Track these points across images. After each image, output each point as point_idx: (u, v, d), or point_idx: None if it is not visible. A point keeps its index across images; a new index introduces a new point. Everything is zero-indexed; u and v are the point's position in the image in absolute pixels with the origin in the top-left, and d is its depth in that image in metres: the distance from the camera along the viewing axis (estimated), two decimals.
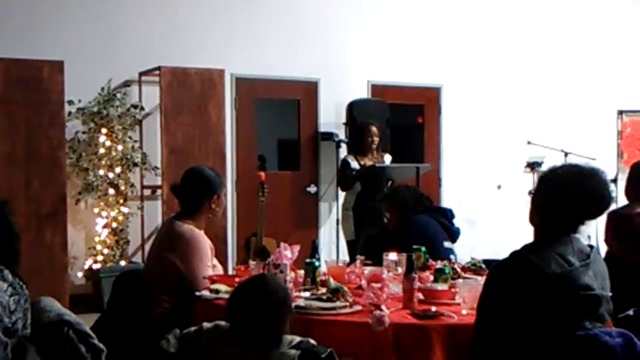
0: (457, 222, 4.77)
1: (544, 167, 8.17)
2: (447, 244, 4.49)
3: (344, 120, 8.13)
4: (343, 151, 7.64)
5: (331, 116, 8.24)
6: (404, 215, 4.58)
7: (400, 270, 3.60)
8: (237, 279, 3.54)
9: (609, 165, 8.57)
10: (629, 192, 4.80)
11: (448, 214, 4.71)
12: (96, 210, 7.05)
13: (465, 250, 5.03)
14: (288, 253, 3.52)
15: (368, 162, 7.14)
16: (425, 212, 4.62)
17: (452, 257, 4.34)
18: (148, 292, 3.77)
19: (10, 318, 2.58)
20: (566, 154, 8.32)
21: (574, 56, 9.49)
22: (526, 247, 2.61)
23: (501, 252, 2.99)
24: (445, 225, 4.60)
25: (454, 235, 4.63)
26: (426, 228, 4.47)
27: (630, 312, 3.62)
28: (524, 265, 2.52)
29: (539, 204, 2.67)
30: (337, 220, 7.47)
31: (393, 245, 3.96)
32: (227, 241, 7.42)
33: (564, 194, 2.59)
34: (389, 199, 4.79)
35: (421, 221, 4.51)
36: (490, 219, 8.92)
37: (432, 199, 5.13)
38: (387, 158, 7.34)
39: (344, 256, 6.89)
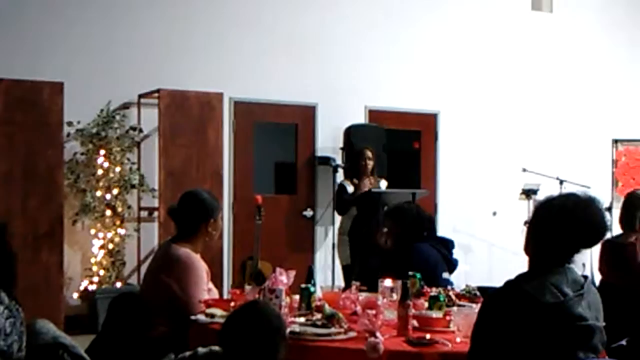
0: (454, 251, 4.77)
1: (539, 195, 8.23)
2: (445, 275, 4.48)
3: (341, 145, 8.16)
4: (340, 176, 7.68)
5: (328, 141, 8.28)
6: (401, 239, 4.57)
7: (395, 297, 3.61)
8: (232, 303, 3.55)
9: (604, 193, 8.61)
10: (623, 221, 4.84)
11: (449, 245, 4.70)
12: (93, 231, 7.05)
13: (460, 276, 5.03)
14: (284, 278, 3.52)
15: (365, 187, 7.16)
16: (428, 241, 4.61)
17: (449, 287, 4.34)
18: (144, 314, 3.78)
19: (6, 341, 2.58)
20: (561, 182, 8.35)
21: (569, 85, 9.56)
22: (520, 277, 2.63)
23: (496, 279, 3.01)
24: (445, 256, 4.60)
25: (452, 266, 4.63)
26: (428, 258, 4.46)
27: (624, 342, 3.64)
28: (518, 294, 2.53)
29: (535, 232, 2.69)
30: (333, 244, 7.48)
31: (391, 271, 3.97)
32: (223, 264, 7.42)
33: (561, 222, 2.60)
34: (396, 218, 4.74)
35: (424, 250, 4.50)
36: (485, 246, 8.93)
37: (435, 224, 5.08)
38: (383, 184, 7.37)
39: (340, 281, 6.89)
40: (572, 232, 2.60)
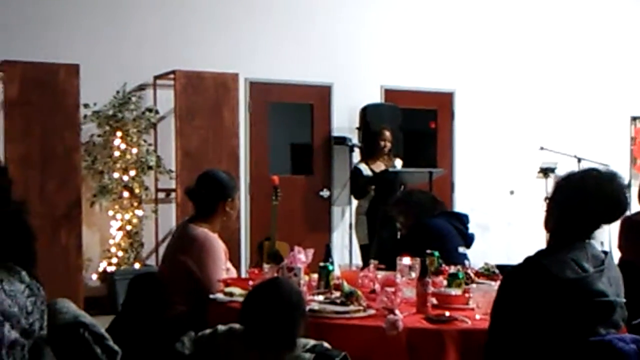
0: (470, 227, 4.76)
1: (557, 173, 8.17)
2: (461, 249, 4.48)
3: (357, 124, 8.14)
4: (356, 155, 7.66)
5: (344, 121, 8.26)
6: (419, 218, 4.58)
7: (413, 274, 3.60)
8: (250, 282, 3.56)
9: (622, 171, 8.48)
10: None
11: (464, 219, 4.70)
12: (111, 212, 7.09)
13: (477, 255, 5.02)
14: (302, 257, 3.53)
15: (380, 166, 7.14)
16: (442, 216, 4.62)
17: (466, 262, 4.34)
18: (162, 294, 3.80)
19: (28, 319, 2.58)
20: (579, 160, 8.29)
21: (587, 62, 9.47)
22: (540, 253, 2.61)
23: (514, 258, 3.00)
24: (460, 231, 4.59)
25: (468, 240, 4.63)
26: (442, 232, 4.46)
27: None
28: (538, 270, 2.52)
29: (555, 207, 2.67)
30: (350, 224, 7.47)
31: (407, 248, 3.96)
32: (241, 244, 7.44)
33: (583, 196, 2.59)
34: (404, 202, 4.78)
35: (438, 225, 4.51)
36: (503, 224, 8.91)
37: (445, 203, 5.12)
38: (398, 163, 7.34)
39: (357, 261, 6.89)
40: (594, 207, 2.58)
